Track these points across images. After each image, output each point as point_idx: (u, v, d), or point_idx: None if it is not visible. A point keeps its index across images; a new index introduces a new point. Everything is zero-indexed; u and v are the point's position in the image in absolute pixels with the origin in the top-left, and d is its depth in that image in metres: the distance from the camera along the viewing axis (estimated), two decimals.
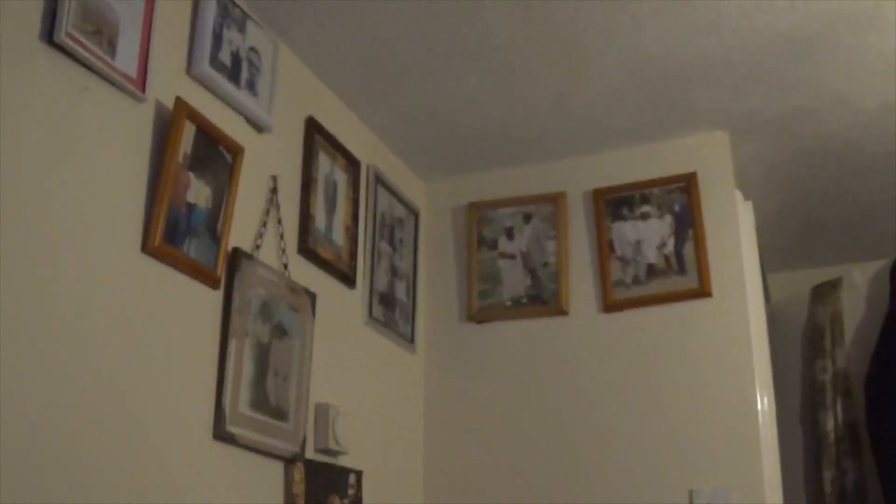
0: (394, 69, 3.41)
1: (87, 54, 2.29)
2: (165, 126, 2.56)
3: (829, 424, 4.29)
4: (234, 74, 2.89)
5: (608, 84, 3.49)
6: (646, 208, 3.81)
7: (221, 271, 2.72)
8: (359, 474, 3.29)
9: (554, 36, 3.20)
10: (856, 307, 4.43)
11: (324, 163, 3.36)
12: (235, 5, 2.92)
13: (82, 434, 2.19)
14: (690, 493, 3.42)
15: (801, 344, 4.54)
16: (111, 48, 2.37)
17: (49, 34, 2.22)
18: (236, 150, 2.81)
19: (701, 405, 3.51)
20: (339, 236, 3.41)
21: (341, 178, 3.48)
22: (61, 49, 2.25)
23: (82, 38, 2.28)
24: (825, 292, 4.52)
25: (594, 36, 3.20)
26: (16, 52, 2.14)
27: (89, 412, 2.22)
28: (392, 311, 3.76)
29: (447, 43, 3.25)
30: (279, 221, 3.06)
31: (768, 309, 4.05)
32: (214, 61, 2.79)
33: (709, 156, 3.80)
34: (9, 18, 2.13)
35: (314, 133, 3.32)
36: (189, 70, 2.74)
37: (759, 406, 3.45)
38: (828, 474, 4.24)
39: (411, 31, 3.18)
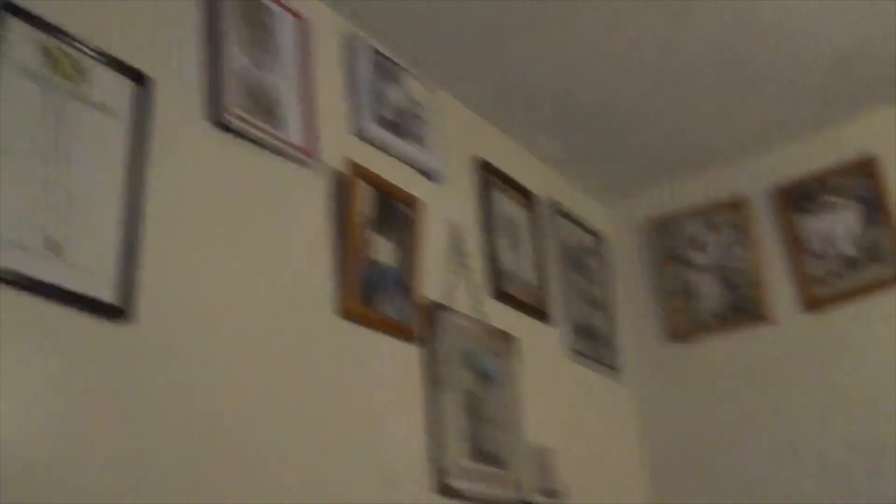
0: (553, 98, 3.38)
1: (254, 131, 2.33)
2: (341, 189, 2.57)
3: None
4: (399, 128, 2.89)
5: (776, 78, 3.39)
6: (832, 198, 3.65)
7: (418, 325, 2.70)
8: None
9: (726, 43, 3.15)
10: None
11: (501, 202, 3.33)
12: (389, 60, 2.93)
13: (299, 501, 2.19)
14: None
15: None
16: (276, 120, 2.41)
17: (215, 117, 2.26)
18: (414, 204, 2.80)
19: None
20: (527, 273, 3.36)
21: (520, 214, 3.44)
22: (229, 129, 2.28)
23: (248, 116, 2.31)
24: None
25: (763, 34, 3.13)
26: (189, 137, 2.20)
27: (304, 480, 2.21)
28: (593, 341, 3.68)
29: (603, 60, 3.21)
30: (468, 267, 3.03)
31: None
32: (378, 118, 2.81)
33: (887, 133, 3.62)
34: (177, 107, 2.19)
35: (487, 174, 3.30)
36: (355, 130, 2.76)
37: None
38: None
39: (562, 55, 3.15)
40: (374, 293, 2.57)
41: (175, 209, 2.10)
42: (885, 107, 3.63)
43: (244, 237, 2.26)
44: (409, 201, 2.80)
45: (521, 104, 3.40)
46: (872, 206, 3.57)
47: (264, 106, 2.38)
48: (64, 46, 1.95)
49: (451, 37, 3.00)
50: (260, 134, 2.34)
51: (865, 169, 3.60)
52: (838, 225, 3.64)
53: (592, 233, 3.96)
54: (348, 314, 2.45)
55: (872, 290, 3.51)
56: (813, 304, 3.61)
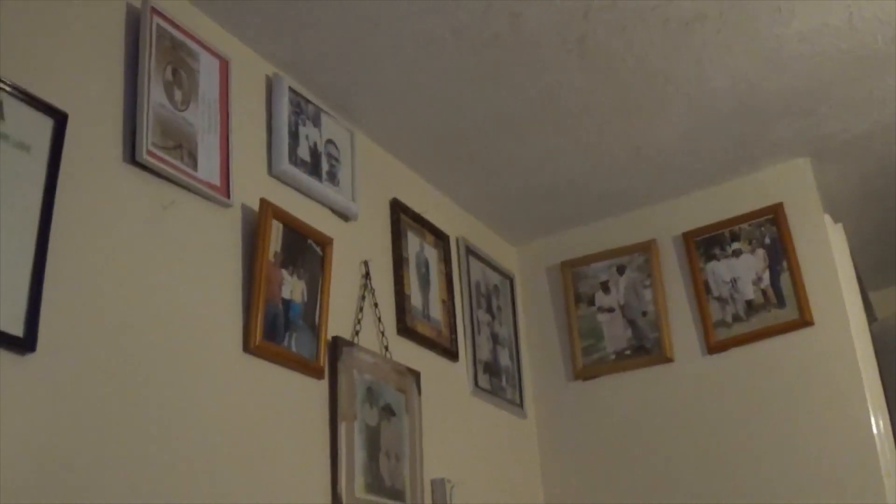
0: (468, 140, 3.48)
1: (170, 169, 2.39)
2: (253, 228, 2.65)
3: None
4: (314, 168, 2.97)
5: (681, 126, 3.50)
6: (737, 245, 3.79)
7: (324, 361, 2.78)
8: None
9: (619, 85, 3.23)
10: None
11: (413, 242, 3.43)
12: (308, 101, 3.01)
13: None
14: None
15: None
16: (192, 159, 2.48)
17: (132, 154, 2.32)
18: (325, 242, 2.88)
19: (815, 435, 3.45)
20: (436, 312, 3.46)
21: (432, 254, 3.54)
22: (145, 167, 2.35)
23: (163, 155, 2.38)
24: None
25: (660, 82, 3.23)
26: (102, 174, 2.25)
27: None
28: (498, 379, 3.79)
29: (516, 108, 3.31)
30: (375, 305, 3.12)
31: (875, 328, 3.98)
32: (294, 158, 2.89)
33: (793, 184, 3.77)
34: (91, 142, 2.24)
35: (400, 214, 3.39)
36: (270, 170, 2.83)
37: (874, 430, 3.38)
38: None
39: (478, 100, 3.24)
40: (283, 330, 2.64)
41: (84, 243, 2.15)
42: (796, 159, 3.78)
43: (153, 272, 2.32)
44: (322, 240, 2.88)
45: (436, 146, 3.50)
46: (777, 253, 3.71)
47: (182, 145, 2.45)
48: None
49: (370, 79, 3.08)
50: (175, 172, 2.40)
51: (772, 217, 3.74)
52: (743, 270, 3.77)
53: (502, 273, 4.07)
54: (252, 349, 2.52)
55: (773, 333, 3.65)
56: (714, 346, 3.74)
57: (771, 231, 3.74)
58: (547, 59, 3.05)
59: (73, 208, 2.13)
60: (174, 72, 2.50)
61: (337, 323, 2.90)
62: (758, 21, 2.98)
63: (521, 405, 3.91)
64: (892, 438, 3.52)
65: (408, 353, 3.23)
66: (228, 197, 2.57)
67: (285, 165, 2.84)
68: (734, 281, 3.77)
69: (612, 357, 3.93)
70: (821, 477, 3.41)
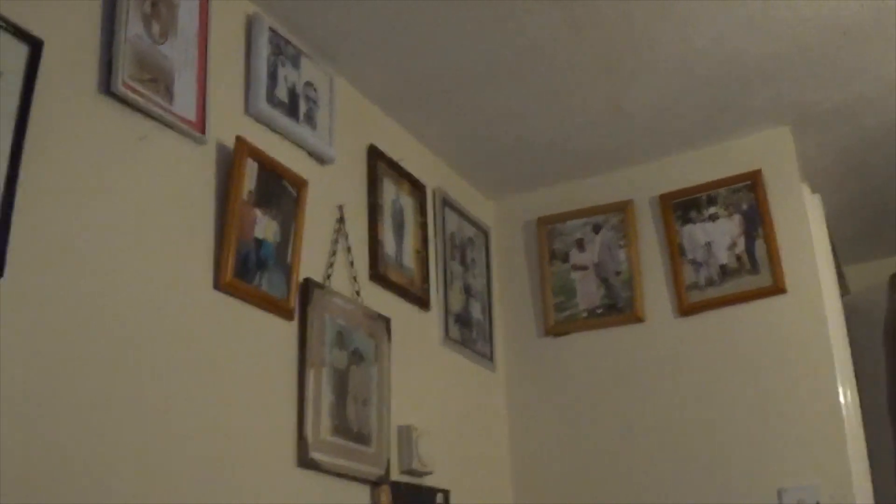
0: (448, 90, 3.47)
1: (144, 102, 2.37)
2: (228, 165, 2.64)
3: None
4: (292, 110, 2.96)
5: (663, 88, 3.50)
6: (714, 209, 3.80)
7: (294, 302, 2.78)
8: (446, 494, 3.33)
9: (604, 43, 3.22)
10: None
11: (389, 189, 3.42)
12: (288, 42, 3.00)
13: (165, 472, 2.26)
14: (779, 492, 3.40)
15: (883, 334, 4.47)
16: (168, 94, 2.46)
17: (107, 85, 2.30)
18: (300, 184, 2.88)
19: (783, 403, 3.49)
20: (409, 260, 3.47)
21: (408, 202, 3.54)
22: (119, 98, 2.33)
23: (139, 87, 2.36)
24: None
25: (644, 40, 3.22)
26: (76, 103, 2.23)
27: (171, 449, 2.29)
28: (469, 331, 3.80)
29: (499, 61, 3.30)
30: (349, 250, 3.12)
31: (847, 301, 4.00)
32: (271, 98, 2.87)
33: (772, 151, 3.79)
34: (66, 71, 2.22)
35: (377, 160, 3.38)
36: (247, 109, 2.82)
37: (841, 400, 3.42)
38: None
39: (462, 50, 3.23)
40: (254, 269, 2.64)
41: (55, 172, 2.13)
42: (777, 127, 3.79)
43: (124, 204, 2.30)
44: (297, 182, 2.87)
45: (416, 95, 3.48)
46: (753, 220, 3.73)
47: (158, 79, 2.43)
48: None
49: (352, 24, 3.06)
50: (150, 105, 2.38)
51: (750, 183, 3.76)
52: (719, 235, 3.79)
53: (478, 226, 4.08)
54: (223, 287, 2.52)
55: (746, 299, 3.67)
56: (686, 309, 3.77)
57: (748, 197, 3.75)
58: (533, 11, 3.03)
59: (45, 137, 2.11)
60: (153, 4, 2.47)
61: (309, 265, 2.90)
62: None
63: (490, 358, 3.93)
64: (858, 409, 3.56)
65: (379, 299, 3.24)
66: (204, 133, 2.55)
67: (262, 105, 2.82)
68: (709, 245, 3.79)
69: (584, 315, 3.95)
70: (787, 444, 3.45)
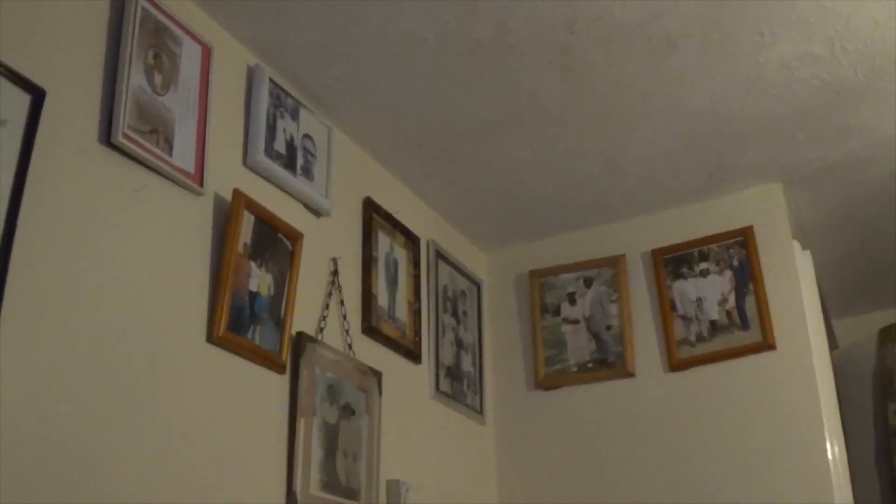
0: (445, 144, 3.48)
1: (144, 153, 2.37)
2: (225, 218, 2.63)
3: None
4: (289, 162, 2.96)
5: (657, 144, 3.52)
6: (705, 265, 3.81)
7: (286, 356, 2.77)
8: None
9: (599, 99, 3.24)
10: None
11: (383, 242, 3.42)
12: (288, 94, 3.00)
13: None
14: None
15: (872, 388, 4.48)
16: (168, 145, 2.46)
17: (107, 136, 2.30)
18: (295, 237, 2.87)
19: (771, 458, 3.48)
20: (402, 313, 3.46)
21: (401, 255, 3.54)
22: (119, 150, 2.33)
23: (139, 138, 2.36)
24: (893, 334, 4.46)
25: (639, 99, 3.24)
26: (76, 153, 2.23)
27: (163, 502, 2.26)
28: (460, 384, 3.79)
29: (495, 114, 3.31)
30: (342, 303, 3.12)
31: (836, 355, 4.02)
32: (270, 151, 2.87)
33: (764, 208, 3.80)
34: (68, 121, 2.22)
35: (372, 213, 3.39)
36: (245, 161, 2.82)
37: (829, 455, 3.41)
38: None
39: (458, 105, 3.24)
40: (248, 322, 2.63)
41: (53, 222, 2.13)
42: (768, 184, 3.81)
43: (120, 256, 2.30)
44: (292, 234, 2.87)
45: (413, 148, 3.49)
46: (744, 276, 3.73)
47: (158, 130, 2.43)
48: None
49: (350, 76, 3.07)
50: (148, 156, 2.38)
51: (741, 239, 3.77)
52: (710, 291, 3.79)
53: (471, 279, 4.08)
54: (216, 341, 2.51)
55: (736, 354, 3.67)
56: (677, 364, 3.76)
57: (739, 253, 3.76)
58: (528, 67, 3.05)
59: (44, 186, 2.11)
60: (156, 56, 2.48)
61: (302, 318, 2.89)
62: (740, 45, 2.99)
63: (480, 411, 3.91)
64: (846, 463, 3.55)
65: (371, 352, 3.23)
66: (202, 185, 2.55)
67: (261, 157, 2.83)
68: (700, 300, 3.79)
69: (574, 369, 3.94)
70: (775, 498, 3.43)
